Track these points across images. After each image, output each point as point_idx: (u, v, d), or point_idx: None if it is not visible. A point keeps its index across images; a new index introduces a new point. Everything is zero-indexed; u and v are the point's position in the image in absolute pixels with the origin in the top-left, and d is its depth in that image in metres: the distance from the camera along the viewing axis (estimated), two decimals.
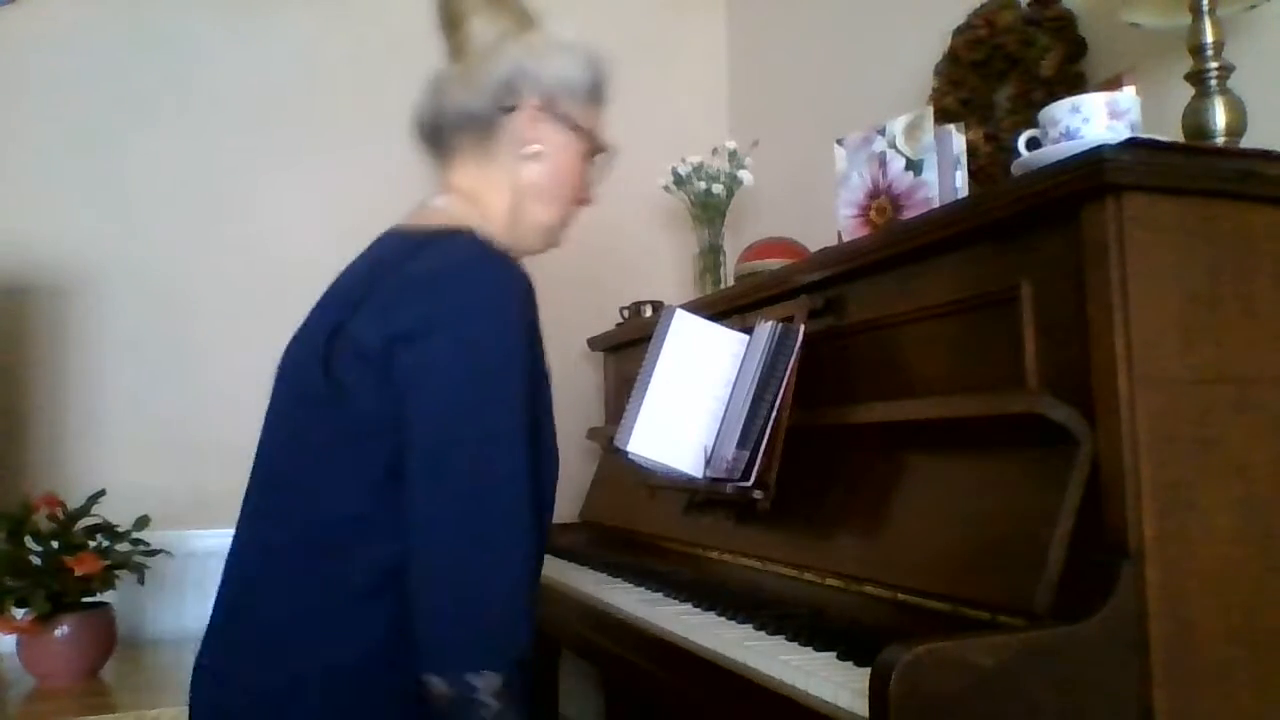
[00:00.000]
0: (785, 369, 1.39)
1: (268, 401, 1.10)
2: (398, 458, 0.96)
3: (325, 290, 1.11)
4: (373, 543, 0.97)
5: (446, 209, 1.13)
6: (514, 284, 1.01)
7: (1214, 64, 1.24)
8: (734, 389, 1.49)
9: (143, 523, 1.83)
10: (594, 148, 1.21)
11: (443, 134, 1.16)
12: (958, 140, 1.42)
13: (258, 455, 1.09)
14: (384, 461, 0.97)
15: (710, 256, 2.28)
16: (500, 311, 0.98)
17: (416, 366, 0.95)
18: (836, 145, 1.58)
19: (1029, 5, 1.70)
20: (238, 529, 1.08)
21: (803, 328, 1.41)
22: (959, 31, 1.82)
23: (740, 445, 1.40)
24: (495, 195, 1.15)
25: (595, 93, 1.21)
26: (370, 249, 1.13)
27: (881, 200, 1.49)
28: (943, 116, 1.70)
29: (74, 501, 1.77)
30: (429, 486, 0.94)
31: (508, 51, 1.15)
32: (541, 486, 1.04)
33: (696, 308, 1.66)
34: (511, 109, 1.13)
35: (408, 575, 0.94)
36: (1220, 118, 1.22)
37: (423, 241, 1.05)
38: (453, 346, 0.95)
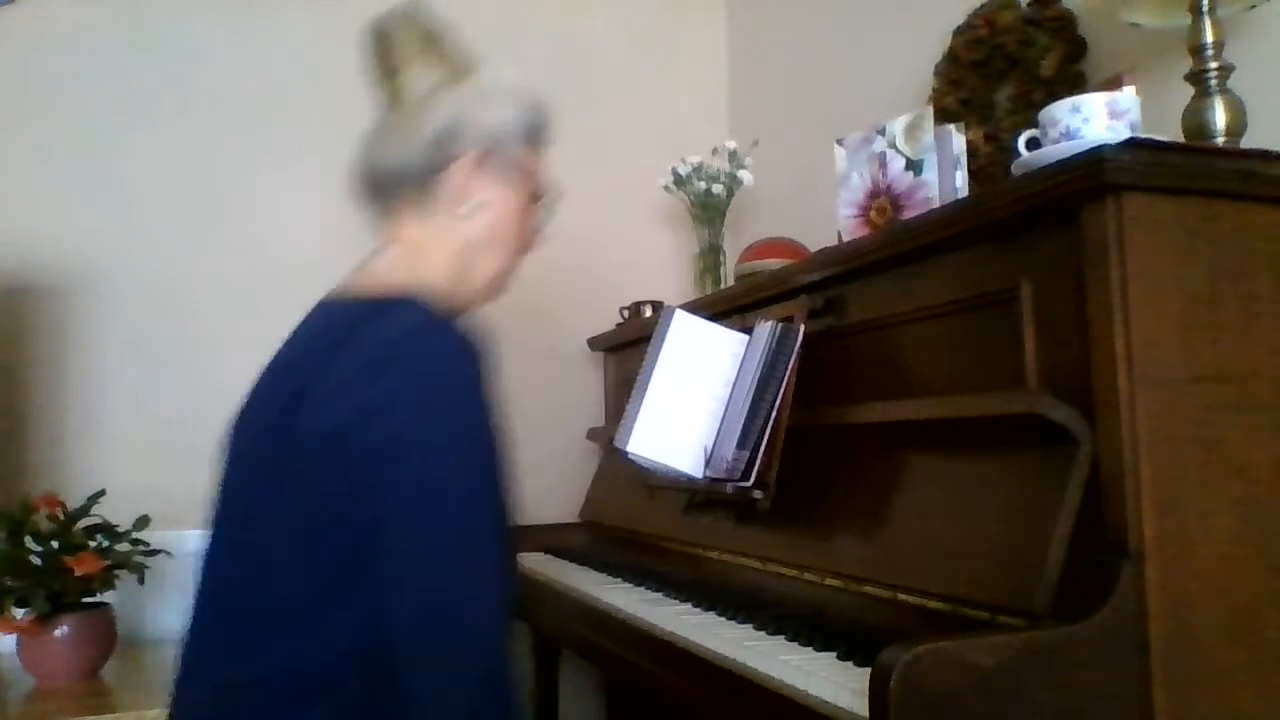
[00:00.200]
0: (785, 369, 1.39)
1: (219, 479, 1.07)
2: (363, 534, 0.94)
3: (268, 364, 1.08)
4: (336, 615, 0.96)
5: (389, 269, 1.10)
6: (469, 349, 0.99)
7: (1214, 64, 1.24)
8: (734, 389, 1.49)
9: (143, 523, 1.83)
10: (537, 193, 1.19)
11: (382, 188, 1.14)
12: (958, 140, 1.42)
13: (214, 532, 1.07)
14: (346, 540, 0.95)
15: (710, 256, 2.28)
16: (461, 379, 0.96)
17: (385, 440, 0.93)
18: (836, 145, 1.58)
19: (1029, 5, 1.70)
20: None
21: (803, 328, 1.41)
22: (959, 31, 1.82)
23: (740, 445, 1.40)
24: (439, 249, 1.13)
25: (536, 137, 1.18)
26: (310, 318, 1.10)
27: (881, 200, 1.49)
28: (943, 116, 1.70)
29: (74, 501, 1.77)
30: (411, 560, 0.92)
31: (444, 102, 1.12)
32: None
33: (696, 308, 1.66)
34: (450, 161, 1.11)
35: (391, 655, 0.93)
36: (1220, 118, 1.22)
37: (371, 311, 1.02)
38: (421, 418, 0.93)
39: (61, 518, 1.76)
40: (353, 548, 0.95)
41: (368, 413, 0.94)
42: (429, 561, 0.93)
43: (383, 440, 0.93)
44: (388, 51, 1.16)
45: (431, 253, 1.12)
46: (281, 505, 0.99)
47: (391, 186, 1.13)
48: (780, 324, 1.44)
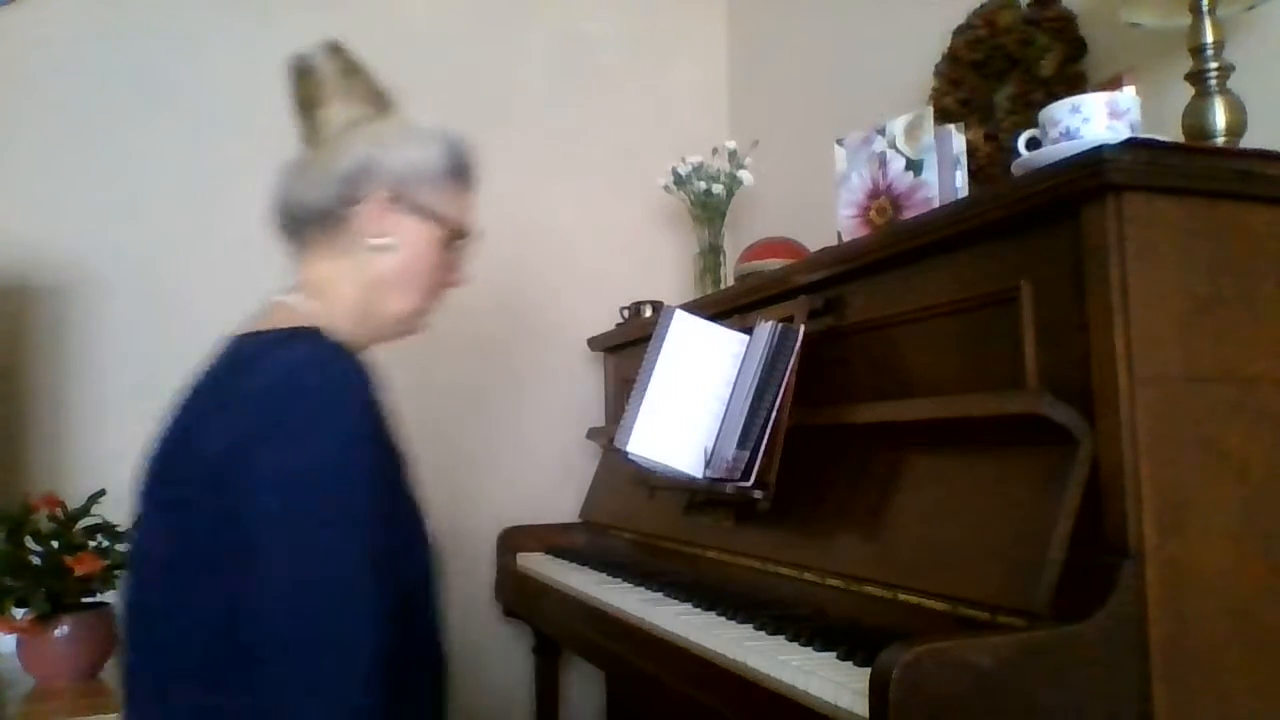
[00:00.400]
0: (785, 369, 1.39)
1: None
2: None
3: (178, 400, 1.09)
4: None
5: (292, 306, 1.11)
6: (349, 383, 0.99)
7: (1214, 64, 1.24)
8: (734, 389, 1.49)
9: None
10: (455, 234, 1.18)
11: (295, 223, 1.14)
12: (958, 140, 1.42)
13: (129, 566, 1.09)
14: (232, 586, 0.95)
15: (710, 256, 2.28)
16: (332, 416, 0.96)
17: (249, 482, 0.93)
18: (836, 145, 1.58)
19: (1029, 5, 1.70)
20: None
21: (803, 328, 1.41)
22: (959, 31, 1.82)
23: (740, 445, 1.40)
24: (345, 288, 1.13)
25: (454, 178, 1.18)
26: (215, 357, 1.11)
27: (881, 200, 1.49)
28: (943, 116, 1.70)
29: (74, 501, 1.77)
30: (265, 605, 0.92)
31: (354, 143, 1.12)
32: (408, 574, 1.03)
33: (696, 308, 1.66)
34: (360, 200, 1.11)
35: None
36: (1220, 118, 1.22)
37: (261, 348, 1.03)
38: (281, 460, 0.93)
39: (61, 518, 1.75)
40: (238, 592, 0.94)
41: (237, 453, 0.94)
42: (282, 622, 0.92)
43: (246, 483, 0.93)
44: (308, 87, 1.16)
45: (339, 288, 1.13)
46: (175, 541, 0.99)
47: (304, 222, 1.13)
48: (780, 324, 1.44)
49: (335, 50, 1.17)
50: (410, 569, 1.06)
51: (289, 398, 0.97)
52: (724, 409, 1.49)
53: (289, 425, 0.95)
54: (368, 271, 1.13)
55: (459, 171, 1.19)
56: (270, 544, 0.93)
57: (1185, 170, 1.01)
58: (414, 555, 1.09)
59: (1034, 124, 1.22)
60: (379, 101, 1.18)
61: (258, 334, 1.07)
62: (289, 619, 0.92)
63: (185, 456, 1.00)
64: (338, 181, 1.11)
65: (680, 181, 2.28)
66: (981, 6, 1.79)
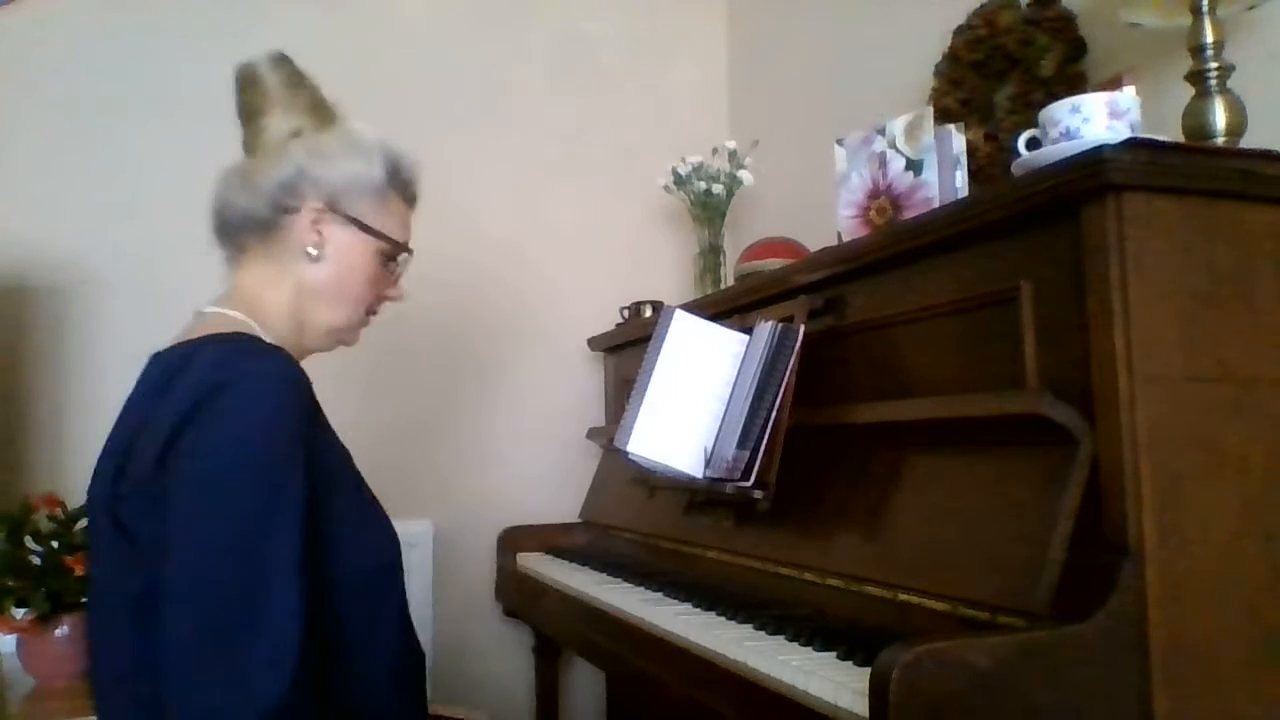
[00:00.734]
0: (785, 369, 1.39)
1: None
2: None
3: (112, 428, 1.09)
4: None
5: (217, 316, 1.11)
6: (275, 383, 0.98)
7: (1214, 64, 1.24)
8: (734, 389, 1.49)
9: None
10: (392, 248, 1.18)
11: (230, 230, 1.15)
12: (958, 140, 1.42)
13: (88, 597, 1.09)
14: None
15: (710, 256, 2.28)
16: (261, 402, 0.96)
17: (172, 489, 0.93)
18: (836, 145, 1.58)
19: (1029, 5, 1.70)
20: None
21: (803, 328, 1.41)
22: (959, 31, 1.82)
23: (740, 445, 1.40)
24: (275, 296, 1.13)
25: (392, 192, 1.18)
26: (142, 375, 1.11)
27: (881, 200, 1.49)
28: (943, 116, 1.70)
29: (74, 501, 1.77)
30: (170, 610, 0.91)
31: (291, 153, 1.13)
32: (362, 563, 1.03)
33: (696, 308, 1.66)
34: (293, 210, 1.11)
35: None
36: (1220, 118, 1.22)
37: (186, 357, 1.03)
38: (206, 441, 0.93)
39: (61, 517, 1.76)
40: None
41: (162, 462, 0.94)
42: (180, 630, 0.91)
43: (171, 490, 0.93)
44: (252, 96, 1.17)
45: (268, 299, 1.13)
46: (121, 558, 0.99)
47: (239, 229, 1.14)
48: (780, 324, 1.44)
49: (281, 61, 1.18)
50: (364, 559, 1.05)
51: (219, 383, 0.96)
52: (724, 409, 1.49)
53: (217, 408, 0.94)
54: (299, 280, 1.13)
55: (399, 186, 1.19)
56: (189, 521, 0.92)
57: (1185, 170, 1.01)
58: (369, 548, 1.07)
59: (1034, 124, 1.22)
60: (323, 113, 1.18)
61: (181, 345, 1.07)
62: (205, 601, 0.90)
63: (125, 478, 0.99)
64: (274, 189, 1.11)
65: (680, 181, 2.28)
66: (981, 6, 1.79)
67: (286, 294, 1.14)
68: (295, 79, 1.18)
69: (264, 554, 0.92)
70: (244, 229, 1.13)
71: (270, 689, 0.89)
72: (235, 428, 0.95)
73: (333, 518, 1.00)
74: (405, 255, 1.21)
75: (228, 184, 1.15)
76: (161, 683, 0.91)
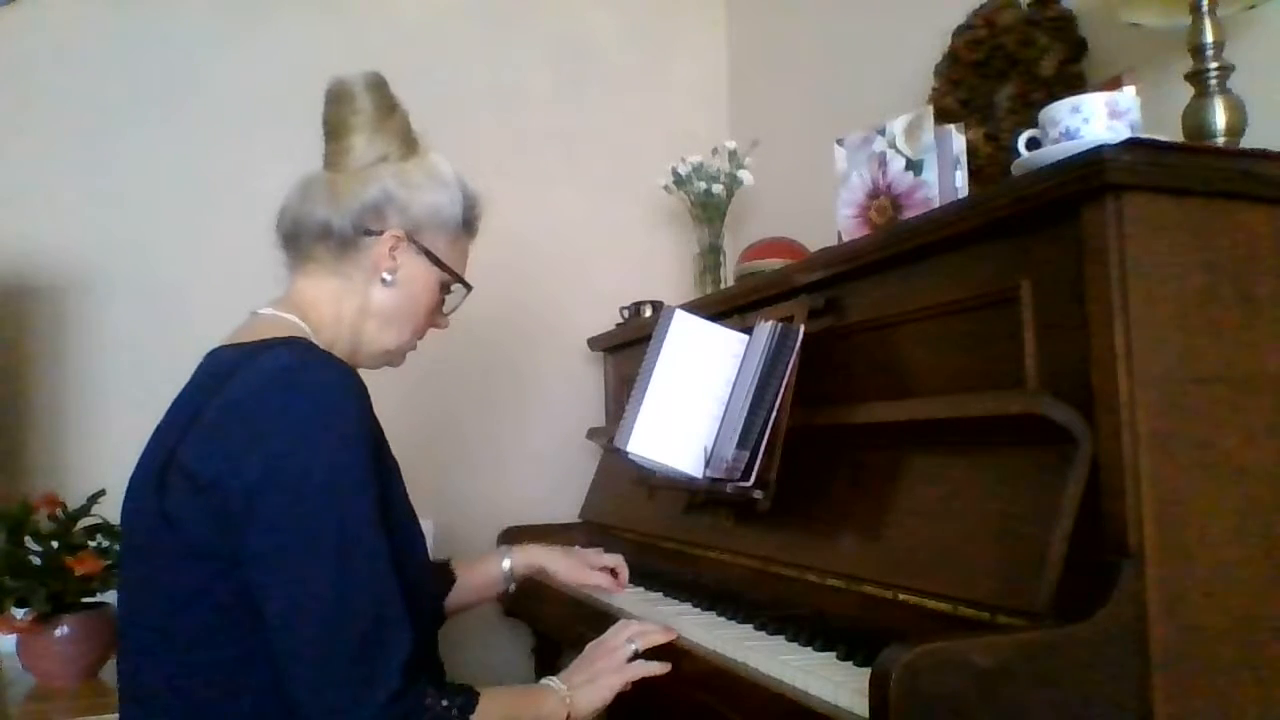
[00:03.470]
0: (785, 369, 1.39)
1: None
2: (244, 589, 0.96)
3: (168, 409, 1.10)
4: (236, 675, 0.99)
5: (274, 319, 1.12)
6: (338, 386, 1.00)
7: (1214, 64, 1.24)
8: (734, 389, 1.49)
9: None
10: (453, 280, 1.22)
11: (300, 239, 1.16)
12: (958, 140, 1.42)
13: (119, 597, 1.10)
14: (226, 594, 0.97)
15: (710, 256, 2.28)
16: (324, 419, 0.97)
17: (246, 493, 0.94)
18: (836, 145, 1.58)
19: (1029, 5, 1.70)
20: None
21: (803, 328, 1.41)
22: (959, 31, 1.82)
23: (740, 445, 1.40)
24: (335, 310, 1.15)
25: (464, 227, 1.22)
26: (197, 370, 1.12)
27: (881, 200, 1.49)
28: (943, 116, 1.70)
29: (74, 501, 1.77)
30: (286, 614, 0.95)
31: (381, 177, 1.14)
32: (404, 574, 1.04)
33: (696, 308, 1.66)
34: (374, 233, 1.14)
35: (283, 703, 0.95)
36: (1220, 118, 1.22)
37: (243, 358, 1.04)
38: (277, 468, 0.94)
39: (61, 517, 1.75)
40: (228, 592, 0.97)
41: (231, 464, 0.95)
42: (307, 626, 0.95)
43: (243, 493, 0.94)
44: (342, 113, 1.17)
45: (326, 310, 1.15)
46: (164, 548, 1.00)
47: (312, 238, 1.15)
48: (780, 324, 1.44)
49: (378, 84, 1.18)
50: (408, 573, 1.06)
51: (279, 401, 0.97)
52: (724, 409, 1.49)
53: (283, 428, 0.96)
54: (365, 299, 1.15)
55: (470, 224, 1.23)
56: (284, 554, 0.94)
57: (1185, 170, 1.01)
58: (411, 561, 1.10)
59: (1034, 124, 1.22)
60: (410, 143, 1.19)
61: (240, 345, 1.08)
62: (325, 627, 0.94)
63: (173, 474, 1.00)
64: (359, 209, 1.13)
65: (680, 181, 2.28)
66: (981, 6, 1.79)
67: (349, 310, 1.16)
68: (389, 104, 1.19)
69: (368, 555, 0.97)
70: (318, 240, 1.15)
71: (392, 683, 0.96)
72: (324, 435, 0.97)
73: (390, 524, 1.03)
74: (464, 290, 1.24)
75: (309, 194, 1.16)
76: (285, 684, 0.95)
